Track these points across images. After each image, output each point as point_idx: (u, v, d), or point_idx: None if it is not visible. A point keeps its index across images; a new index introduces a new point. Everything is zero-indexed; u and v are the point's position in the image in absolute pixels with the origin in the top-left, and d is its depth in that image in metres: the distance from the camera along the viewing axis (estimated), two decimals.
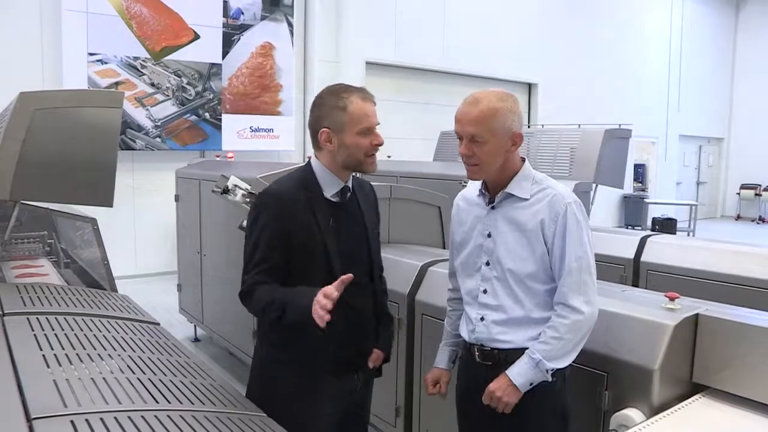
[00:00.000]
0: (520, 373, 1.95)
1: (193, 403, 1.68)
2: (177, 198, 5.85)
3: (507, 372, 1.97)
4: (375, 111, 2.09)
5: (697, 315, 2.14)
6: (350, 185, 2.16)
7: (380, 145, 2.09)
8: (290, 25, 9.52)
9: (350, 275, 1.87)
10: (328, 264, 2.04)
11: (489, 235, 2.07)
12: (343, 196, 2.14)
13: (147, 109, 8.35)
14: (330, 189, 2.10)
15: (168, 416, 1.52)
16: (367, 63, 10.31)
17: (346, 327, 2.05)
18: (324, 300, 1.81)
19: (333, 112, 2.03)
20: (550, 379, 1.96)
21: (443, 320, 2.40)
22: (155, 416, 1.50)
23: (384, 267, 2.35)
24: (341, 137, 2.04)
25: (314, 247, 2.04)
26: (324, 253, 2.04)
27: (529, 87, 12.90)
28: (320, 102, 2.08)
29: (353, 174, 2.19)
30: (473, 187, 2.18)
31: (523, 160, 2.08)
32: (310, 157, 2.19)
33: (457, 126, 2.02)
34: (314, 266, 2.04)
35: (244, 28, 9.11)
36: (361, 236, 2.19)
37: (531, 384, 1.95)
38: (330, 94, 2.07)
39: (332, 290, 1.83)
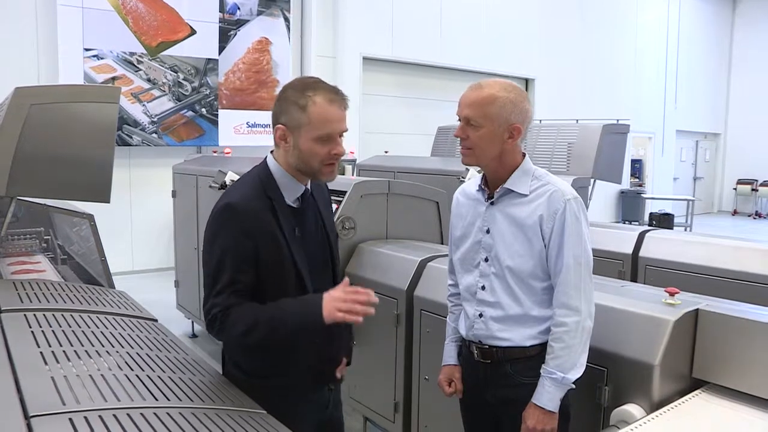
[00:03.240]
0: (550, 399, 1.94)
1: (192, 400, 1.67)
2: (174, 194, 5.83)
3: (536, 402, 1.95)
4: (343, 116, 1.86)
5: (697, 310, 2.13)
6: (309, 187, 2.00)
7: (339, 155, 1.88)
8: (287, 20, 9.49)
9: (347, 280, 1.82)
10: (299, 277, 1.90)
11: (488, 231, 2.06)
12: (304, 200, 1.98)
13: (143, 105, 8.32)
14: (291, 194, 1.93)
15: (167, 413, 1.50)
16: (364, 58, 10.28)
17: (322, 339, 1.93)
18: (360, 295, 1.76)
19: (291, 110, 1.82)
20: (574, 387, 1.96)
21: (442, 316, 2.39)
22: (155, 413, 1.49)
23: (383, 262, 2.33)
24: (296, 138, 1.84)
25: (282, 260, 1.87)
26: (293, 266, 1.89)
27: (527, 82, 12.88)
28: (282, 95, 1.86)
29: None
30: (473, 182, 2.17)
31: (524, 155, 2.08)
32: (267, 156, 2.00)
33: (457, 108, 2.02)
34: (284, 281, 1.88)
35: (241, 23, 9.08)
36: (323, 241, 2.05)
37: (560, 400, 1.95)
38: (294, 89, 1.85)
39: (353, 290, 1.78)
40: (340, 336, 2.06)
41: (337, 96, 1.85)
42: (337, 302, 1.76)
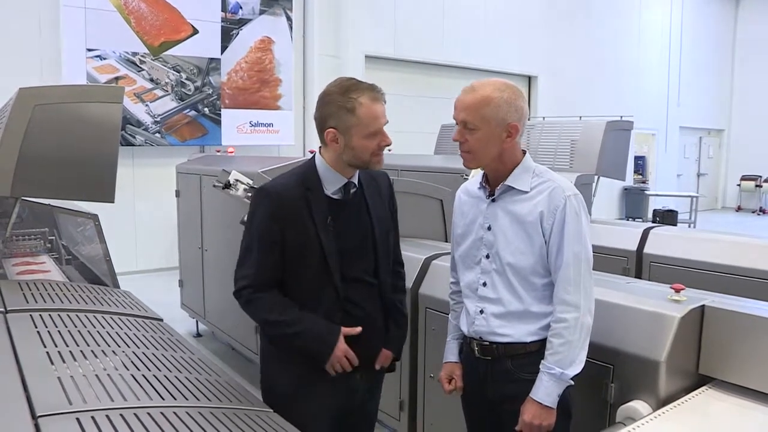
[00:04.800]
0: (548, 393, 1.93)
1: (198, 399, 1.67)
2: (177, 193, 5.83)
3: (533, 397, 1.95)
4: (384, 110, 2.01)
5: (703, 306, 2.13)
6: (356, 181, 2.11)
7: (388, 145, 2.04)
8: (289, 19, 9.48)
9: (359, 329, 2.03)
10: (324, 263, 2.01)
11: (489, 228, 2.06)
12: (347, 192, 2.08)
13: (146, 105, 8.32)
14: (331, 186, 2.06)
15: (174, 413, 1.51)
16: (367, 56, 10.27)
17: (349, 325, 2.03)
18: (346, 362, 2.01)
19: (340, 113, 1.96)
20: (573, 383, 1.96)
21: (447, 314, 2.39)
22: (161, 413, 1.49)
23: None
24: (348, 139, 1.98)
25: (310, 245, 2.00)
26: (320, 252, 2.00)
27: (530, 79, 12.86)
28: (328, 99, 1.99)
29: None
30: (474, 180, 2.17)
31: (524, 152, 2.07)
32: (314, 151, 2.15)
33: (453, 112, 2.03)
34: (309, 265, 2.01)
35: (243, 22, 9.08)
36: (366, 233, 2.12)
37: (558, 396, 1.95)
38: (338, 93, 1.97)
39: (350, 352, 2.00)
40: (372, 324, 2.11)
41: (377, 93, 2.00)
42: (340, 361, 2.00)
